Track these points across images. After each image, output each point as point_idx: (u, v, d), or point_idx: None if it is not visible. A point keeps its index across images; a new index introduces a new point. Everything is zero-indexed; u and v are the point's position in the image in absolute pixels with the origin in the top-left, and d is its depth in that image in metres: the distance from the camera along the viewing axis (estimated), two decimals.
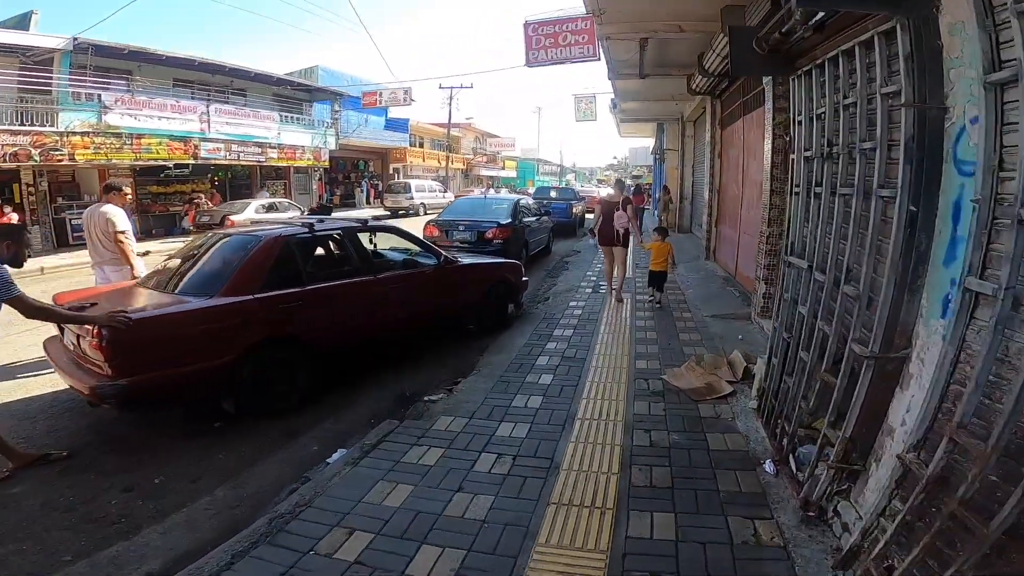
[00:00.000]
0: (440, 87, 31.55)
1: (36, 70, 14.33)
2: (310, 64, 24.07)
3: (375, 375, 5.06)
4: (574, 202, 17.29)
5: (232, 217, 14.88)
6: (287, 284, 4.24)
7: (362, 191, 30.60)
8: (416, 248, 5.62)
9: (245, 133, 19.29)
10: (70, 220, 15.82)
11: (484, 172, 44.37)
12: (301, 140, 22.04)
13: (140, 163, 15.95)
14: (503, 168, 48.78)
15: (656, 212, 18.34)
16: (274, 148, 20.09)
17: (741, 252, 7.84)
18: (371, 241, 5.62)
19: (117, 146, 15.08)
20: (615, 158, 76.76)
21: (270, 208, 16.11)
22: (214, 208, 16.63)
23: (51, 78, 14.14)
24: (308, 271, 4.45)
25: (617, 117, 18.88)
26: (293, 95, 22.71)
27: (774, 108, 5.68)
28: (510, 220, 9.49)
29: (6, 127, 13.00)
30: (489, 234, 9.11)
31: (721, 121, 10.04)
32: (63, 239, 15.72)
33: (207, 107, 17.92)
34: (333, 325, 4.52)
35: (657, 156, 22.48)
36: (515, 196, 11.17)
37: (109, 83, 15.01)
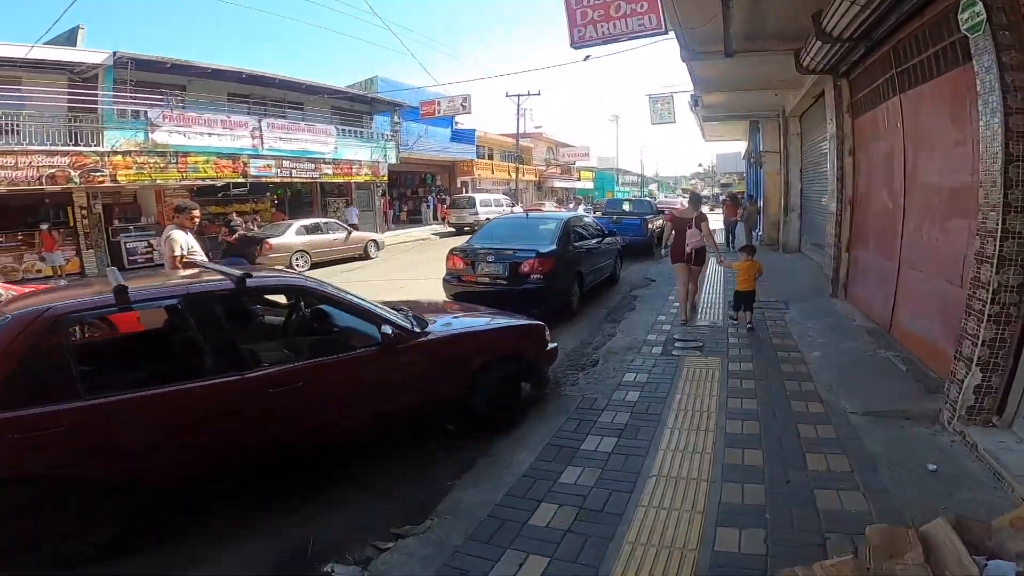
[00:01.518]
0: (507, 95, 29.92)
1: (83, 87, 14.14)
2: (370, 75, 23.23)
3: (288, 496, 3.10)
4: (650, 217, 14.59)
5: (271, 240, 13.74)
6: (48, 396, 2.29)
7: (428, 206, 29.54)
8: (346, 316, 3.46)
9: (301, 148, 18.49)
10: (125, 244, 15.55)
11: (557, 184, 42.20)
12: (360, 154, 21.07)
13: (187, 182, 15.38)
14: (578, 179, 46.35)
15: (758, 228, 15.27)
16: (329, 164, 19.18)
17: (903, 295, 5.05)
18: (299, 307, 3.60)
19: (162, 165, 14.56)
20: (701, 165, 71.88)
21: (313, 229, 14.87)
22: (251, 231, 15.69)
23: (93, 95, 13.80)
24: (98, 371, 2.49)
25: (699, 116, 16.02)
26: (352, 108, 21.88)
27: (999, 62, 3.04)
28: (554, 247, 7.20)
29: (44, 148, 12.64)
30: (525, 267, 6.87)
31: (852, 107, 7.21)
32: (119, 264, 15.44)
33: (259, 122, 17.24)
34: (155, 457, 2.53)
35: (752, 160, 19.19)
36: (566, 214, 8.78)
37: (151, 98, 14.51)
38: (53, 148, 12.74)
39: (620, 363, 5.22)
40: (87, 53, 13.94)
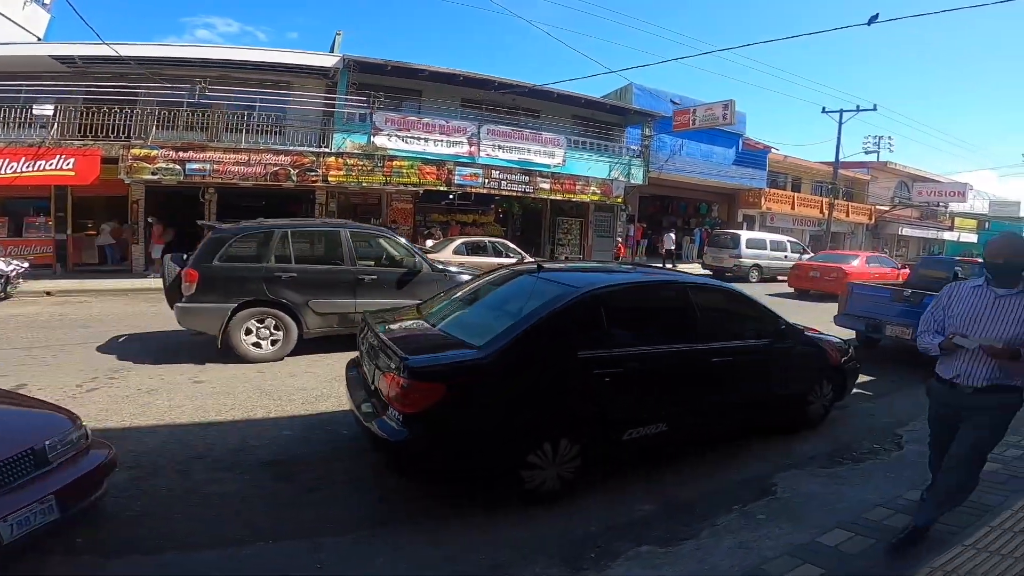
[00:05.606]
0: (824, 111, 22.26)
1: (333, 91, 15.39)
2: (625, 83, 19.92)
3: None
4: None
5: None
6: None
7: (693, 241, 24.38)
8: None
9: (521, 159, 16.76)
10: None
11: (907, 231, 30.28)
12: (595, 170, 18.16)
13: (391, 187, 15.29)
14: (950, 228, 32.63)
15: None
16: (547, 178, 16.86)
17: None
18: None
19: (369, 168, 14.67)
20: None
21: (476, 249, 12.78)
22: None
23: (331, 98, 14.80)
24: None
25: None
26: (593, 117, 19.05)
27: None
28: (484, 353, 2.97)
29: (272, 147, 13.93)
30: (382, 385, 3.00)
31: None
32: None
33: (478, 128, 16.18)
34: None
35: None
36: (619, 276, 3.66)
37: (358, 102, 14.79)
38: (278, 148, 13.99)
39: None
40: (320, 57, 15.07)
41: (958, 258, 9.16)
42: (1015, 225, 37.96)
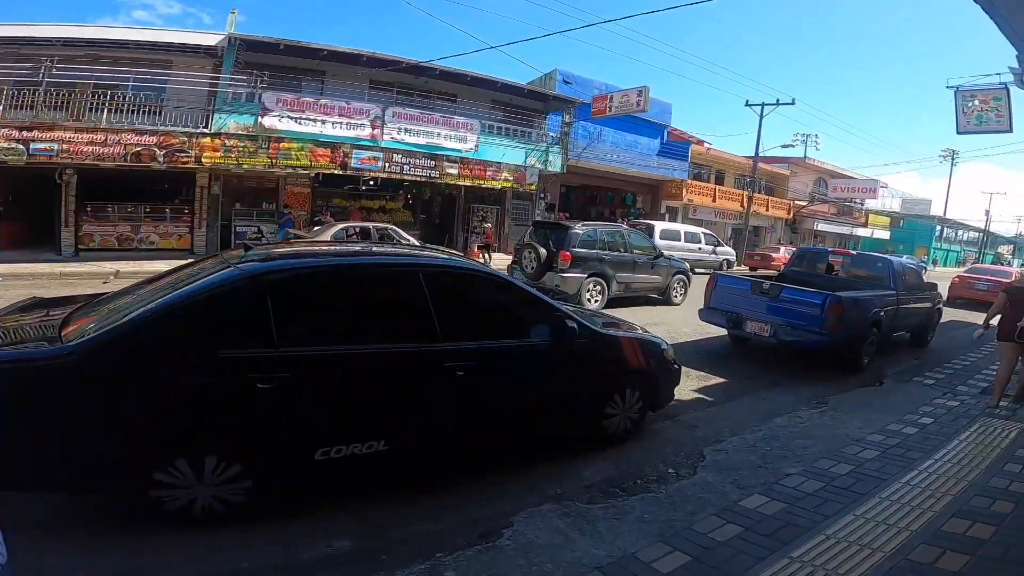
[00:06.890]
0: (747, 104, 22.47)
1: (219, 71, 14.06)
2: (550, 69, 19.37)
3: None
4: (874, 295, 7.09)
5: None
6: None
7: None
8: None
9: (430, 143, 15.88)
10: (235, 228, 15.43)
11: (823, 227, 31.26)
12: (510, 157, 17.51)
13: (278, 170, 14.15)
14: (864, 224, 33.97)
15: None
16: (454, 163, 16.08)
17: None
18: None
19: (251, 150, 13.47)
20: None
21: (362, 235, 11.95)
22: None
23: (213, 78, 13.52)
24: None
25: None
26: (511, 102, 18.39)
27: None
28: (100, 342, 2.32)
29: (135, 127, 12.52)
30: None
31: None
32: (225, 245, 15.32)
33: (382, 111, 15.20)
34: None
35: None
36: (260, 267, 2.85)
37: (239, 80, 13.58)
38: (143, 127, 12.61)
39: None
40: (202, 35, 13.82)
41: (831, 249, 9.02)
42: (927, 223, 40.22)
